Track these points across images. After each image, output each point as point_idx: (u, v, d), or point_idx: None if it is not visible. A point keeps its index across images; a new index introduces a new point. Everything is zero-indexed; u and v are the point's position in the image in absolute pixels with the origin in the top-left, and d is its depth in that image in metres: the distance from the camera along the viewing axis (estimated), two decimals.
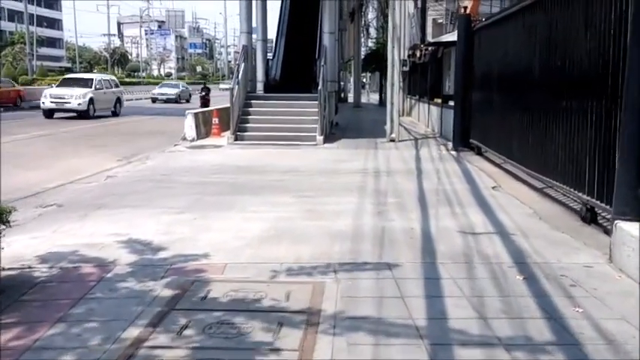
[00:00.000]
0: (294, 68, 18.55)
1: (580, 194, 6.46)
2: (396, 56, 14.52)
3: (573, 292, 4.34)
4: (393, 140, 14.76)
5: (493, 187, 8.64)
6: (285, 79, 18.14)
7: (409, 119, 23.08)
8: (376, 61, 37.44)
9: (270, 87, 17.69)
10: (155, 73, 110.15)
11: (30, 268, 4.89)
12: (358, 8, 35.22)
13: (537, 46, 8.02)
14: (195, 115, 15.30)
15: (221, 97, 26.82)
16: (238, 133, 14.46)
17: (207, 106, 24.20)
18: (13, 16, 77.09)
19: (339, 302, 4.11)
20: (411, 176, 9.72)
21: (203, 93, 27.59)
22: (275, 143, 13.92)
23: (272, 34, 20.89)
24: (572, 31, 6.69)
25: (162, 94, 42.89)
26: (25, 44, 61.67)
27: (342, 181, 9.22)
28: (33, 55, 51.15)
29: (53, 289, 4.42)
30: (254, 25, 17.74)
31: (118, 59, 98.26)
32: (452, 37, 14.44)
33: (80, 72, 78.26)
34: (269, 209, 7.07)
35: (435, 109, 17.67)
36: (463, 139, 13.13)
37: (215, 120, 15.96)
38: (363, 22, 39.65)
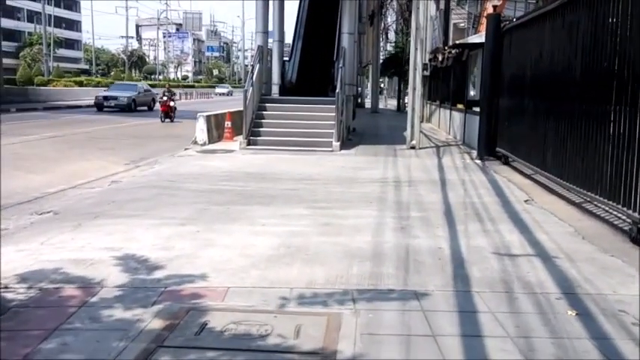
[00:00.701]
0: (311, 71, 17.93)
1: (629, 212, 5.74)
2: (418, 59, 13.83)
3: (638, 333, 3.63)
4: (413, 147, 14.06)
5: (526, 201, 7.92)
6: (301, 82, 17.52)
7: (429, 125, 22.34)
8: (395, 65, 36.80)
9: (286, 90, 17.09)
10: (172, 76, 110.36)
11: (6, 288, 4.28)
12: (378, 11, 34.57)
13: (579, 46, 7.29)
14: (207, 118, 14.73)
15: (215, 104, 26.24)
16: (251, 137, 13.85)
17: (170, 114, 23.70)
18: (32, 16, 77.51)
19: (359, 341, 3.44)
20: (434, 187, 9.02)
21: (165, 98, 23.90)
22: (289, 149, 13.29)
23: (289, 37, 20.29)
24: (622, 28, 5.97)
25: (111, 99, 30.50)
26: (51, 45, 62.09)
27: (361, 191, 8.55)
28: (50, 56, 51.12)
29: (26, 316, 3.80)
30: (270, 27, 17.18)
31: (136, 62, 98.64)
32: (479, 38, 13.73)
33: (97, 74, 78.84)
34: (280, 222, 6.42)
35: (457, 116, 16.94)
36: (489, 147, 12.40)
37: (228, 123, 15.37)
38: (382, 26, 38.98)
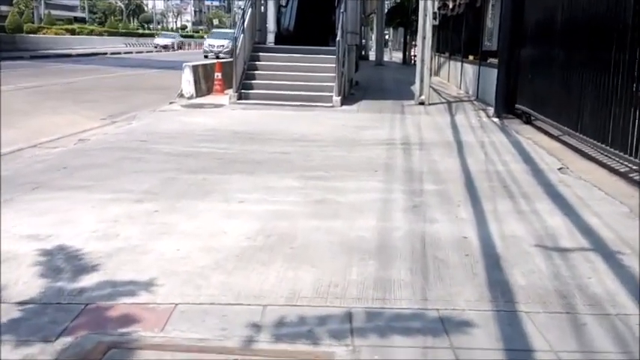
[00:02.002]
0: (311, 18, 16.35)
1: None
2: (429, 3, 12.29)
3: None
4: (422, 103, 12.66)
5: (560, 169, 6.63)
6: (299, 30, 15.97)
7: (437, 79, 20.81)
8: (401, 15, 34.85)
9: (283, 38, 15.56)
10: (171, 25, 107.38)
11: None
12: None
13: None
14: (194, 68, 13.29)
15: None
16: (242, 91, 12.45)
17: None
18: None
19: None
20: (449, 151, 7.71)
21: None
22: (284, 104, 11.92)
23: None
24: None
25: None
26: None
27: (364, 155, 7.24)
28: (41, 2, 48.95)
29: None
30: None
31: (134, 10, 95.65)
32: None
33: (94, 22, 76.32)
34: (263, 198, 5.15)
35: (470, 68, 15.45)
36: (507, 104, 11.02)
37: (218, 75, 13.93)
38: None
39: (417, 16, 31.42)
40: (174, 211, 4.70)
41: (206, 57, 32.58)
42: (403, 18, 34.64)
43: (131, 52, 40.63)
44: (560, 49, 8.42)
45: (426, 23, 12.37)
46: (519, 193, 5.52)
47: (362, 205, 5.00)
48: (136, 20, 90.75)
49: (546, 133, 9.00)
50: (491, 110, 11.70)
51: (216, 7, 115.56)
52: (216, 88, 13.93)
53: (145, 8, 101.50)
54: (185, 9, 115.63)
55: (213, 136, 8.33)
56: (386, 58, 37.48)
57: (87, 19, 71.18)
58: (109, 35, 49.32)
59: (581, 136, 7.41)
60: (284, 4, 16.94)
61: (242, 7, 13.47)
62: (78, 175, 5.89)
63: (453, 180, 6.02)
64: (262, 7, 15.03)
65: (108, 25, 60.61)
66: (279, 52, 13.73)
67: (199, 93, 13.41)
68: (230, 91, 12.63)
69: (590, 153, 7.23)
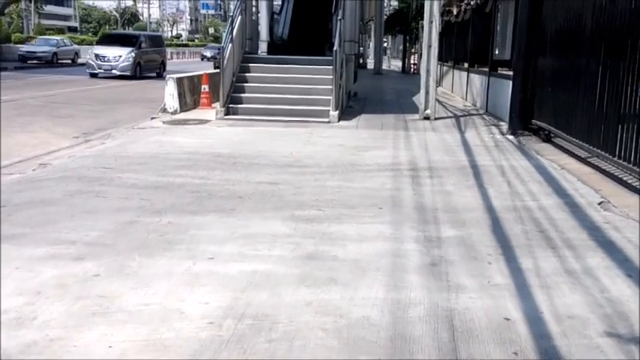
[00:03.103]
0: (306, 26, 15.31)
1: None
2: (435, 9, 11.24)
3: None
4: (427, 118, 11.59)
5: (600, 204, 5.55)
6: (294, 39, 14.93)
7: (440, 89, 19.70)
8: (400, 22, 33.89)
9: (276, 47, 14.51)
10: (167, 34, 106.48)
11: None
12: None
13: None
14: (179, 80, 12.20)
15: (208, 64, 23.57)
16: (230, 105, 11.36)
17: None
18: None
19: None
20: (465, 178, 6.62)
21: None
22: (277, 119, 10.84)
23: None
24: None
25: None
26: (30, 1, 58.62)
27: (365, 186, 6.14)
28: (31, 11, 47.93)
29: None
30: None
31: (129, 19, 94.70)
32: None
33: (89, 32, 75.22)
34: (239, 252, 4.04)
35: (477, 79, 14.41)
36: (523, 119, 9.96)
37: (205, 87, 12.84)
38: None
39: (417, 23, 30.59)
40: (121, 274, 3.59)
41: (217, 68, 30.48)
42: (402, 25, 33.70)
43: None
44: (590, 59, 7.35)
45: (431, 31, 11.32)
46: (561, 241, 4.42)
47: (365, 261, 3.90)
48: (130, 29, 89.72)
49: (571, 154, 7.93)
50: (504, 126, 10.64)
51: (212, 15, 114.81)
52: (203, 101, 12.85)
53: (141, 17, 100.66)
54: (181, 18, 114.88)
55: (192, 161, 7.22)
56: (384, 67, 36.45)
57: (78, 28, 70.09)
58: None
59: (619, 161, 6.33)
60: (277, 12, 15.91)
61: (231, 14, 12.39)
62: (15, 217, 4.77)
63: (476, 221, 4.92)
64: (254, 15, 13.98)
65: (100, 34, 59.50)
66: (271, 62, 12.67)
67: (184, 107, 12.33)
68: (217, 105, 11.55)
69: (631, 182, 6.15)
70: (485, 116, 12.25)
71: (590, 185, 6.29)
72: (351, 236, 4.44)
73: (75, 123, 11.74)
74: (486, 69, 13.40)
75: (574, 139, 7.82)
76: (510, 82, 10.66)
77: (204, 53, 52.32)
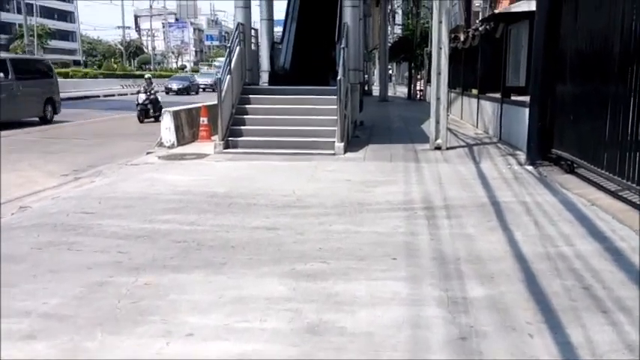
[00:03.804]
0: (309, 55, 14.76)
1: None
2: (444, 35, 10.67)
3: None
4: (439, 148, 10.93)
5: None
6: (296, 68, 14.37)
7: (450, 117, 19.07)
8: (405, 49, 33.54)
9: (278, 78, 13.96)
10: (173, 65, 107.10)
11: None
12: None
13: None
14: (176, 114, 11.61)
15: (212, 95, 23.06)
16: (230, 138, 10.75)
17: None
18: (24, 8, 74.38)
19: None
20: (486, 218, 5.91)
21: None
22: (279, 152, 10.21)
23: (278, 14, 17.03)
24: None
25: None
26: (33, 36, 58.98)
27: (376, 230, 5.44)
28: (34, 46, 48.01)
29: None
30: (256, 2, 14.11)
31: (134, 52, 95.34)
32: (526, 5, 10.51)
33: (94, 66, 75.61)
34: (225, 325, 3.34)
35: (489, 106, 13.77)
36: (542, 148, 9.27)
37: (203, 120, 12.26)
38: (389, 7, 35.65)
39: (422, 49, 30.21)
40: None
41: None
42: (407, 52, 33.33)
43: (126, 94, 39.31)
44: (618, 84, 6.68)
45: (440, 57, 10.72)
46: (612, 301, 3.70)
47: (379, 336, 3.18)
48: (135, 62, 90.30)
49: (599, 187, 7.21)
50: (521, 155, 9.96)
51: (217, 46, 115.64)
52: (202, 134, 12.26)
53: (145, 50, 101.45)
54: (186, 50, 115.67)
55: (183, 202, 6.55)
56: (390, 93, 35.98)
57: (81, 61, 70.42)
58: (104, 77, 48.18)
59: None
60: (279, 41, 15.40)
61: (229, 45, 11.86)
62: None
63: (506, 275, 4.20)
64: (253, 45, 13.46)
65: (104, 67, 59.70)
66: (272, 93, 12.11)
67: (182, 141, 11.72)
68: (217, 139, 10.94)
69: None
70: (499, 145, 11.57)
71: (629, 225, 5.57)
72: (361, 298, 3.74)
73: (67, 159, 11.17)
74: (498, 96, 12.77)
75: (603, 171, 7.11)
76: (526, 110, 10.02)
77: (170, 85, 41.01)
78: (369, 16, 31.19)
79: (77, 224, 5.62)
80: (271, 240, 5.08)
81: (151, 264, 4.40)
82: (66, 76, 41.73)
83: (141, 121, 18.39)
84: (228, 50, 11.53)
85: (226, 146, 10.61)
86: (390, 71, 49.38)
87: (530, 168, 8.99)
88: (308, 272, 4.24)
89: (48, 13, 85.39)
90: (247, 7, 12.74)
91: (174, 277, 4.12)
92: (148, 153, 10.93)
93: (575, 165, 8.34)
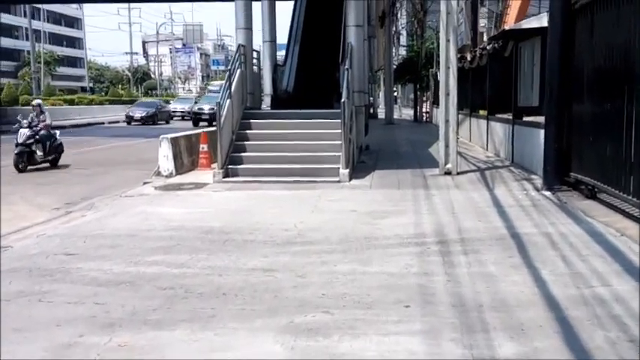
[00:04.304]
0: (312, 77, 14.31)
1: None
2: (452, 53, 10.20)
3: None
4: (449, 173, 10.39)
5: None
6: (299, 91, 13.91)
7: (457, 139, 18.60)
8: (410, 71, 33.15)
9: (281, 101, 13.50)
10: (180, 91, 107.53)
11: None
12: (389, 11, 31.01)
13: None
14: (173, 141, 11.16)
15: None
16: (230, 166, 10.25)
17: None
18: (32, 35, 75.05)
19: None
20: (508, 253, 5.35)
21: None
22: (281, 180, 9.70)
23: (281, 38, 16.61)
24: None
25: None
26: (41, 63, 59.33)
27: (385, 270, 4.89)
28: (41, 73, 48.18)
29: None
30: (258, 25, 13.75)
31: (141, 78, 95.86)
32: (536, 22, 10.03)
33: (101, 92, 75.83)
34: None
35: (499, 127, 13.26)
36: (559, 172, 8.72)
37: (203, 147, 11.79)
38: (394, 28, 35.40)
39: (428, 71, 29.84)
40: None
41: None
42: (412, 73, 32.95)
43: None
44: None
45: (448, 77, 10.24)
46: None
47: None
48: (142, 87, 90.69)
49: (627, 214, 6.64)
50: (537, 180, 9.41)
51: (222, 71, 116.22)
52: (202, 162, 11.78)
53: (153, 76, 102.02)
54: (192, 75, 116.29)
55: (175, 240, 6.03)
56: (395, 116, 35.59)
57: (88, 88, 70.70)
58: (110, 104, 48.14)
59: None
60: (281, 63, 14.99)
61: (229, 67, 11.43)
62: None
63: (538, 325, 3.64)
64: (255, 68, 13.05)
65: (110, 93, 59.78)
66: (274, 117, 11.65)
67: (181, 169, 11.24)
68: (216, 167, 10.45)
69: None
70: (512, 169, 11.01)
71: None
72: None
73: (60, 191, 10.72)
74: (509, 116, 12.27)
75: (629, 197, 6.55)
76: (540, 131, 9.49)
77: (132, 113, 35.03)
78: (374, 38, 30.93)
79: (56, 268, 5.10)
80: (268, 285, 4.53)
81: (130, 318, 3.86)
82: (71, 103, 41.71)
83: (21, 170, 12.92)
84: (228, 73, 11.10)
85: (226, 175, 10.11)
86: (395, 93, 49.04)
87: (547, 194, 8.43)
88: (309, 326, 3.69)
89: (56, 39, 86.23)
90: (249, 28, 12.35)
91: (154, 335, 3.58)
92: (144, 183, 10.45)
93: (596, 190, 7.79)
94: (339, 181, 9.79)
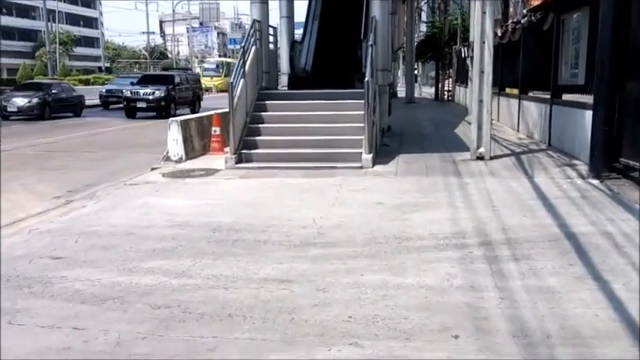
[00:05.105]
0: (332, 55, 13.41)
1: None
2: (488, 26, 9.25)
3: None
4: (481, 158, 9.52)
5: None
6: (318, 70, 13.04)
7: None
8: (432, 48, 31.99)
9: (299, 81, 12.66)
10: (197, 70, 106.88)
11: None
12: None
13: None
14: (184, 123, 10.40)
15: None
16: (243, 151, 9.48)
17: None
18: (48, 15, 74.65)
19: None
20: (566, 259, 4.51)
21: None
22: (298, 166, 8.92)
23: (299, 16, 15.68)
24: None
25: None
26: (60, 43, 58.93)
27: (422, 282, 4.09)
28: (56, 53, 47.72)
29: None
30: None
31: (158, 57, 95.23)
32: None
33: (118, 71, 75.32)
34: None
35: (533, 107, 12.29)
36: (608, 157, 7.81)
37: (216, 129, 11.02)
38: (416, 3, 34.15)
39: (450, 47, 28.67)
40: None
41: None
42: (435, 51, 31.81)
43: None
44: None
45: (483, 53, 9.30)
46: None
47: None
48: (158, 67, 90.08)
49: None
50: (580, 166, 8.52)
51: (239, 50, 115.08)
52: (214, 146, 11.02)
53: (169, 55, 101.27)
54: (209, 54, 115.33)
55: (178, 240, 5.28)
56: (416, 94, 34.48)
57: (103, 68, 70.35)
58: None
59: None
60: (299, 40, 14.10)
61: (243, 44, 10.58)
62: None
63: None
64: (271, 45, 12.19)
65: (127, 73, 59.12)
66: (292, 98, 10.81)
67: (191, 154, 10.49)
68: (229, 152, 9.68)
69: None
70: (550, 152, 10.08)
71: None
72: None
73: (64, 177, 10.03)
74: (545, 96, 11.30)
75: None
76: (586, 112, 8.59)
77: (7, 104, 22.38)
78: (395, 14, 29.77)
79: (37, 277, 4.38)
80: (283, 302, 3.76)
81: (112, 351, 3.12)
82: (87, 82, 41.19)
83: None
84: (242, 51, 10.26)
85: (239, 160, 9.34)
86: (415, 71, 47.76)
87: (595, 182, 7.54)
88: None
89: (74, 19, 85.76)
90: (264, 2, 11.46)
91: None
92: (152, 169, 9.73)
93: None
94: (361, 167, 8.98)
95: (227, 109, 9.61)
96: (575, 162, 8.92)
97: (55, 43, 58.29)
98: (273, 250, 4.93)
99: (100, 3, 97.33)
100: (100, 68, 79.77)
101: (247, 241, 5.21)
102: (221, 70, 54.73)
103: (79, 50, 79.65)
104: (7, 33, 73.20)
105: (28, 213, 7.16)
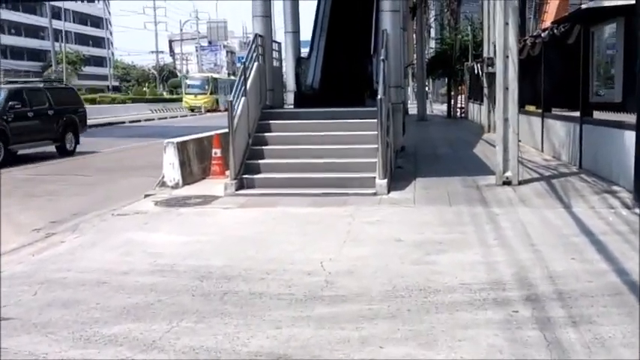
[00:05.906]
0: (341, 72, 12.58)
1: None
2: (512, 39, 8.42)
3: None
4: (508, 183, 8.58)
5: None
6: (326, 88, 12.19)
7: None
8: (443, 64, 31.14)
9: (306, 99, 11.82)
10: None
11: None
12: (420, 2, 29.04)
13: None
14: (180, 145, 9.54)
15: None
16: (245, 176, 8.60)
17: None
18: (57, 35, 74.82)
19: None
20: (637, 322, 3.57)
21: None
22: (305, 193, 8.03)
23: (305, 33, 14.87)
24: None
25: None
26: (69, 63, 58.89)
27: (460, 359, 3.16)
28: (63, 72, 47.39)
29: None
30: (279, 13, 12.11)
31: (167, 76, 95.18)
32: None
33: (127, 91, 75.17)
34: None
35: (560, 126, 11.36)
36: None
37: (216, 152, 10.15)
38: (425, 19, 33.43)
39: (462, 64, 27.82)
40: None
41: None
42: (446, 67, 30.95)
43: (153, 119, 38.00)
44: None
45: (507, 68, 8.47)
46: None
47: None
48: (167, 85, 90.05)
49: None
50: (622, 193, 7.58)
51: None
52: (215, 169, 10.15)
53: (178, 74, 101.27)
54: (219, 72, 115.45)
55: (157, 292, 4.38)
56: (427, 111, 33.56)
57: (110, 87, 70.29)
58: (132, 102, 47.07)
59: None
60: (306, 56, 13.29)
61: (244, 60, 9.76)
62: None
63: None
64: (276, 62, 11.37)
65: (134, 91, 58.92)
66: (297, 117, 9.96)
67: (189, 178, 9.62)
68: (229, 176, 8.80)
69: None
70: (583, 176, 9.12)
71: None
72: None
73: (50, 205, 9.21)
74: (573, 114, 10.39)
75: None
76: (624, 132, 7.70)
77: None
78: (405, 30, 29.04)
79: None
80: None
81: None
82: (93, 102, 40.66)
83: None
84: (242, 67, 9.43)
85: (240, 186, 8.47)
86: (427, 88, 46.92)
87: None
88: None
89: (83, 39, 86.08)
90: (267, 16, 10.67)
91: None
92: (146, 195, 8.88)
93: None
94: (375, 194, 8.07)
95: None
96: (615, 188, 7.96)
97: (62, 62, 58.21)
98: (271, 307, 4.01)
99: (110, 23, 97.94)
100: (108, 87, 79.81)
101: (240, 294, 4.30)
102: (207, 87, 50.19)
103: (88, 69, 79.72)
104: (17, 53, 73.49)
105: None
